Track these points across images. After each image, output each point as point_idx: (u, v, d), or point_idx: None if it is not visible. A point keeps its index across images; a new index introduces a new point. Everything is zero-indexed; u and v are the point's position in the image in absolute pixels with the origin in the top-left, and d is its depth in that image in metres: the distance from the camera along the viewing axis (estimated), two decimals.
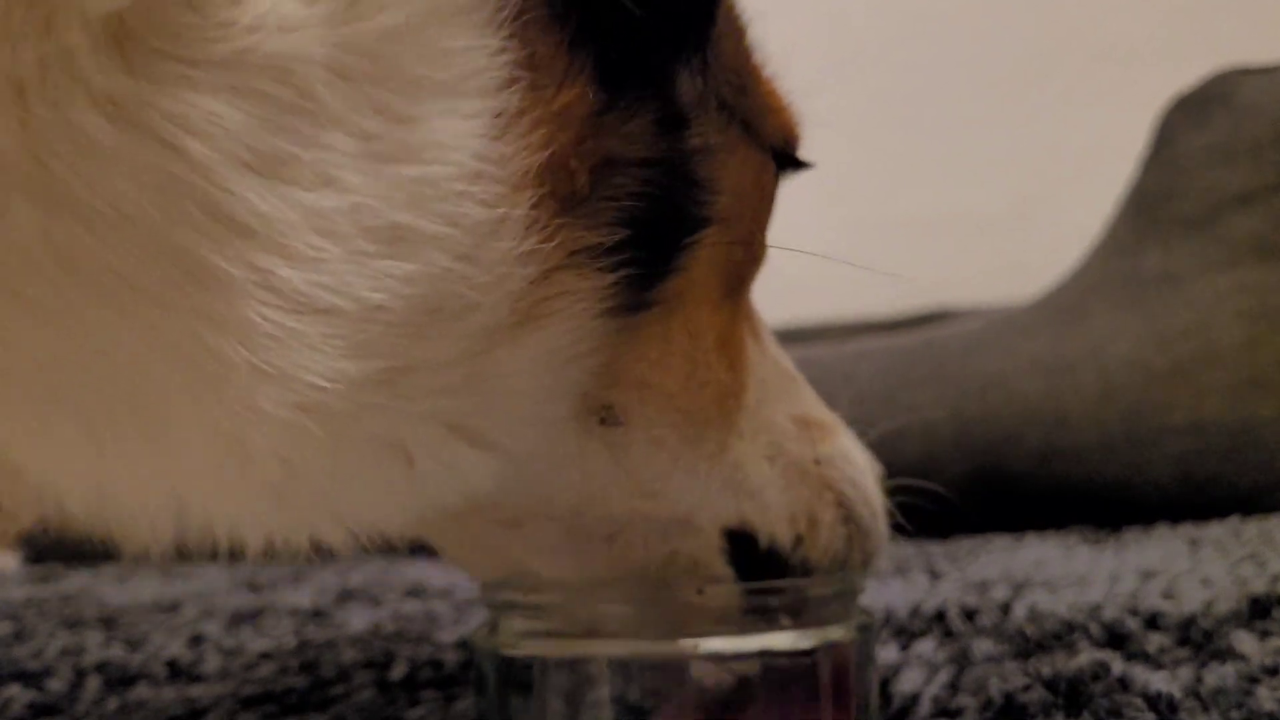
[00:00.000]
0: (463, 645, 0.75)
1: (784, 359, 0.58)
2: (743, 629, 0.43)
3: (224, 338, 0.32)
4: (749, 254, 0.52)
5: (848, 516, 0.53)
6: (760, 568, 0.49)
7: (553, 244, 0.37)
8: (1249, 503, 1.07)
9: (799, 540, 0.50)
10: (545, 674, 0.43)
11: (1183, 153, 1.16)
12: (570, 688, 0.43)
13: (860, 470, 0.55)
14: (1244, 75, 1.17)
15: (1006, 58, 2.10)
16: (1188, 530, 1.02)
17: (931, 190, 2.12)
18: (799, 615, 0.45)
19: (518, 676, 0.44)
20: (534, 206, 0.37)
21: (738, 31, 0.48)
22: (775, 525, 0.50)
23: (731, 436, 0.49)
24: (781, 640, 0.43)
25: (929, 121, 2.13)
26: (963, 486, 1.16)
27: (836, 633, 0.44)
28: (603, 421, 0.45)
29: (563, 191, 0.38)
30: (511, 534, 0.47)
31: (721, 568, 0.49)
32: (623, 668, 0.43)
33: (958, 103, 2.12)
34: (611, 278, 0.40)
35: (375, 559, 1.23)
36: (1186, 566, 0.83)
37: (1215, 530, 1.00)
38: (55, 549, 1.61)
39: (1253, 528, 0.99)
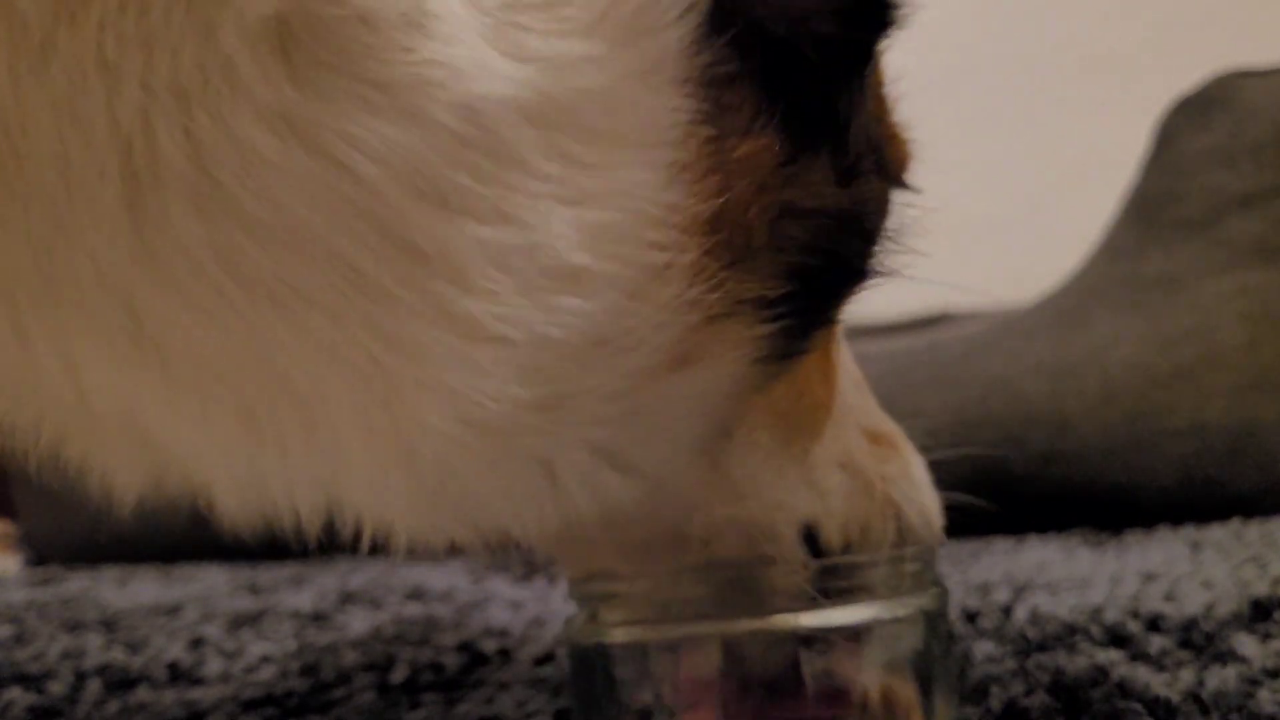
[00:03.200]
0: (464, 648, 0.76)
1: (854, 366, 0.60)
2: (833, 603, 0.44)
3: (394, 354, 0.34)
4: None
5: (901, 532, 0.53)
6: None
7: (720, 292, 0.38)
8: (1251, 505, 1.07)
9: (848, 546, 0.50)
10: (651, 658, 0.44)
11: (1184, 155, 1.16)
12: (676, 669, 0.44)
13: (921, 491, 0.57)
14: (1245, 78, 1.17)
15: (1006, 64, 2.10)
16: (1189, 532, 1.02)
17: (932, 194, 2.12)
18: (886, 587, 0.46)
19: (622, 662, 0.45)
20: (706, 254, 0.38)
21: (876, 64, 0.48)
22: (834, 528, 0.50)
23: (815, 442, 0.51)
24: (881, 610, 0.44)
25: (930, 126, 2.13)
26: (964, 489, 1.16)
27: (927, 600, 0.46)
28: (727, 434, 0.46)
29: (737, 241, 0.39)
30: (610, 535, 0.47)
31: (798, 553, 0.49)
32: (732, 646, 0.44)
33: (958, 108, 2.12)
34: (772, 328, 0.41)
35: (375, 562, 1.23)
36: (1188, 569, 0.83)
37: (1217, 532, 1.00)
38: (56, 551, 1.62)
39: (1254, 530, 0.99)
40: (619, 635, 0.45)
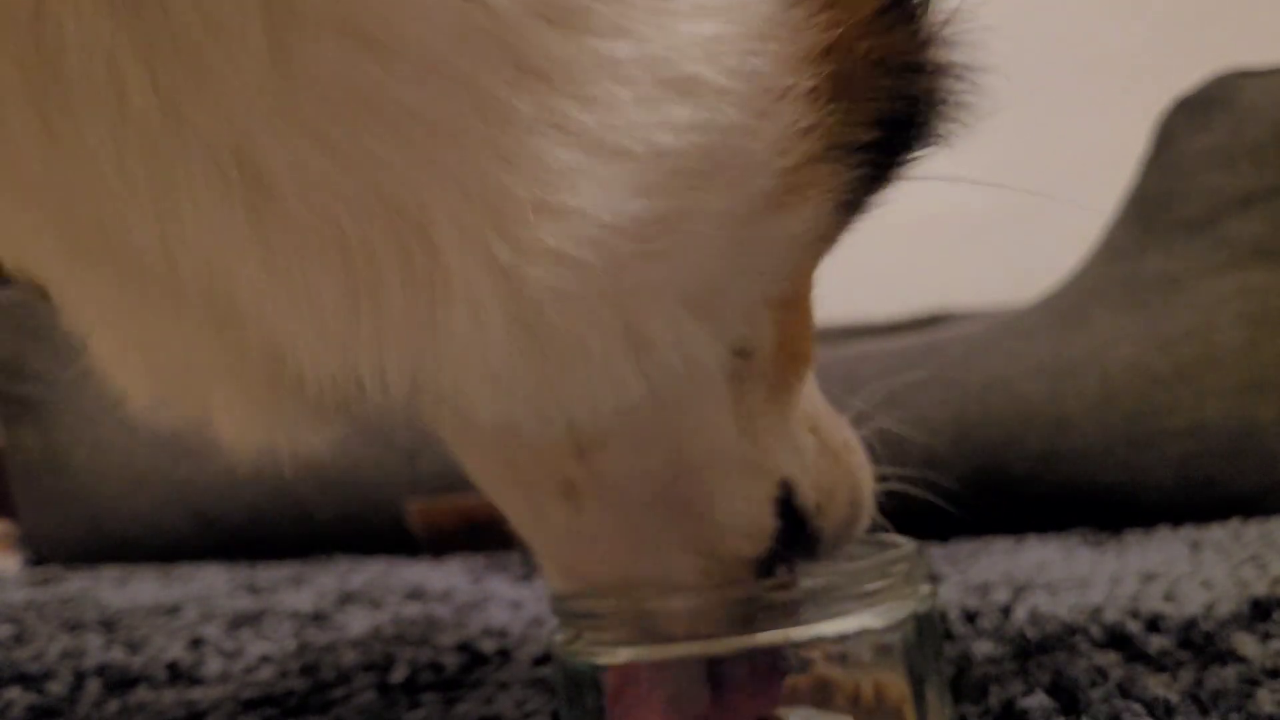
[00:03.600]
0: (463, 648, 0.76)
1: None
2: (821, 614, 0.44)
3: (514, 174, 0.34)
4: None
5: (853, 501, 0.54)
6: (790, 525, 0.50)
7: (827, 127, 0.39)
8: (1250, 505, 1.07)
9: (819, 508, 0.51)
10: (639, 678, 0.45)
11: (1183, 155, 1.16)
12: (665, 689, 0.44)
13: (864, 466, 0.57)
14: (1245, 78, 1.17)
15: (1005, 64, 2.10)
16: (1189, 532, 1.02)
17: (932, 194, 2.12)
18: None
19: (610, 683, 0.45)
20: (820, 85, 0.38)
21: None
22: (809, 489, 0.51)
23: (796, 397, 0.51)
24: (870, 618, 0.44)
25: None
26: (964, 488, 1.16)
27: (917, 602, 0.46)
28: (736, 352, 0.46)
29: (844, 75, 0.39)
30: (593, 462, 0.47)
31: (769, 519, 0.49)
32: (718, 664, 0.44)
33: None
34: (856, 174, 0.41)
35: (376, 561, 1.23)
36: (1187, 569, 0.84)
37: (1216, 532, 1.00)
38: (56, 551, 1.62)
39: (1254, 530, 0.99)
40: (605, 657, 0.45)
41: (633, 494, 0.47)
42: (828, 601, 0.44)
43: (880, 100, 0.41)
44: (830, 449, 0.54)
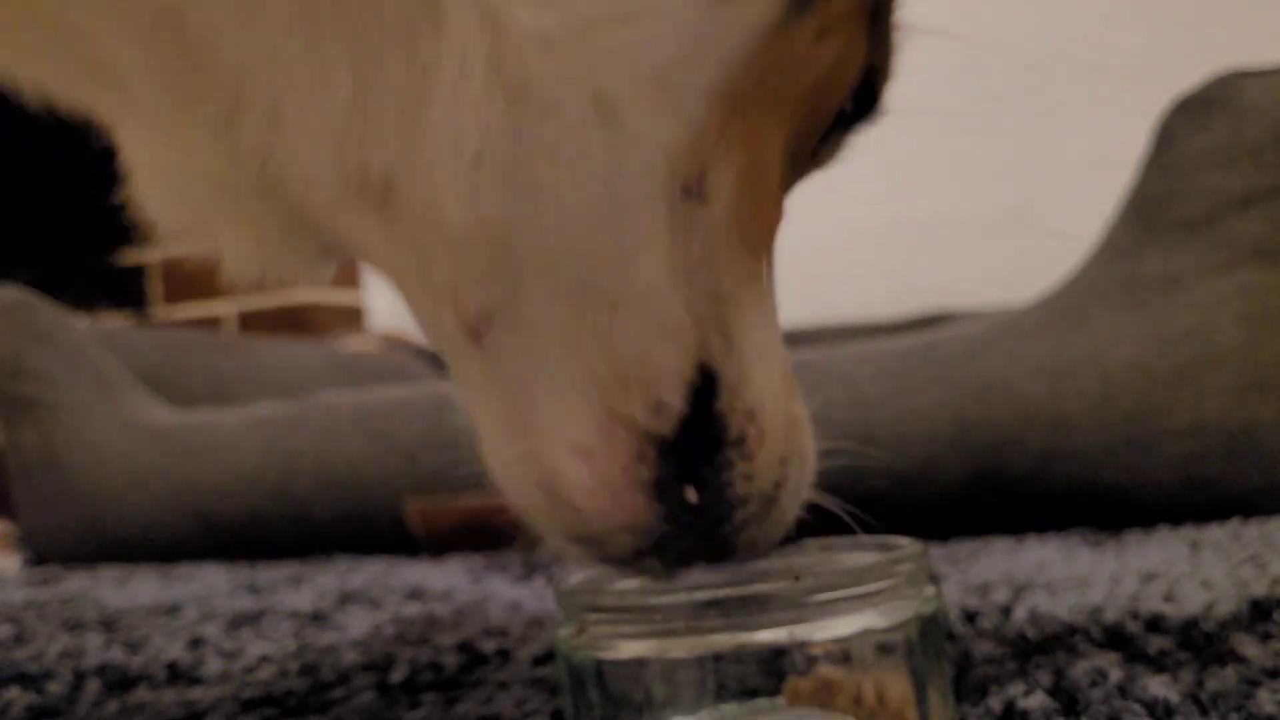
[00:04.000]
0: (463, 648, 0.76)
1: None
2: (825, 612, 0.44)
3: None
4: (826, 107, 0.50)
5: (785, 462, 0.49)
6: (696, 426, 0.46)
7: None
8: (1250, 505, 1.07)
9: (743, 438, 0.47)
10: (645, 673, 0.44)
11: (1183, 155, 1.16)
12: (670, 685, 0.44)
13: (809, 449, 0.53)
14: (1245, 78, 1.16)
15: (1005, 66, 2.10)
16: (1188, 532, 1.02)
17: (931, 195, 2.13)
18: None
19: (617, 678, 0.45)
20: None
21: None
22: (737, 399, 0.47)
23: (751, 291, 0.48)
24: (874, 618, 0.44)
25: (929, 128, 2.13)
26: (963, 488, 1.16)
27: (921, 603, 0.46)
28: (688, 192, 0.43)
29: None
30: (521, 289, 0.44)
31: (678, 398, 0.45)
32: (729, 661, 0.43)
33: (957, 110, 2.12)
34: None
35: (375, 561, 1.24)
36: (1187, 569, 0.84)
37: (1216, 533, 1.00)
38: (55, 551, 1.62)
39: (1254, 530, 0.99)
40: (609, 651, 0.45)
41: (542, 325, 0.44)
42: (831, 601, 0.44)
43: None
44: (781, 407, 0.49)
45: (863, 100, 0.50)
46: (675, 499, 0.46)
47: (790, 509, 0.51)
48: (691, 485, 0.46)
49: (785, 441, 0.49)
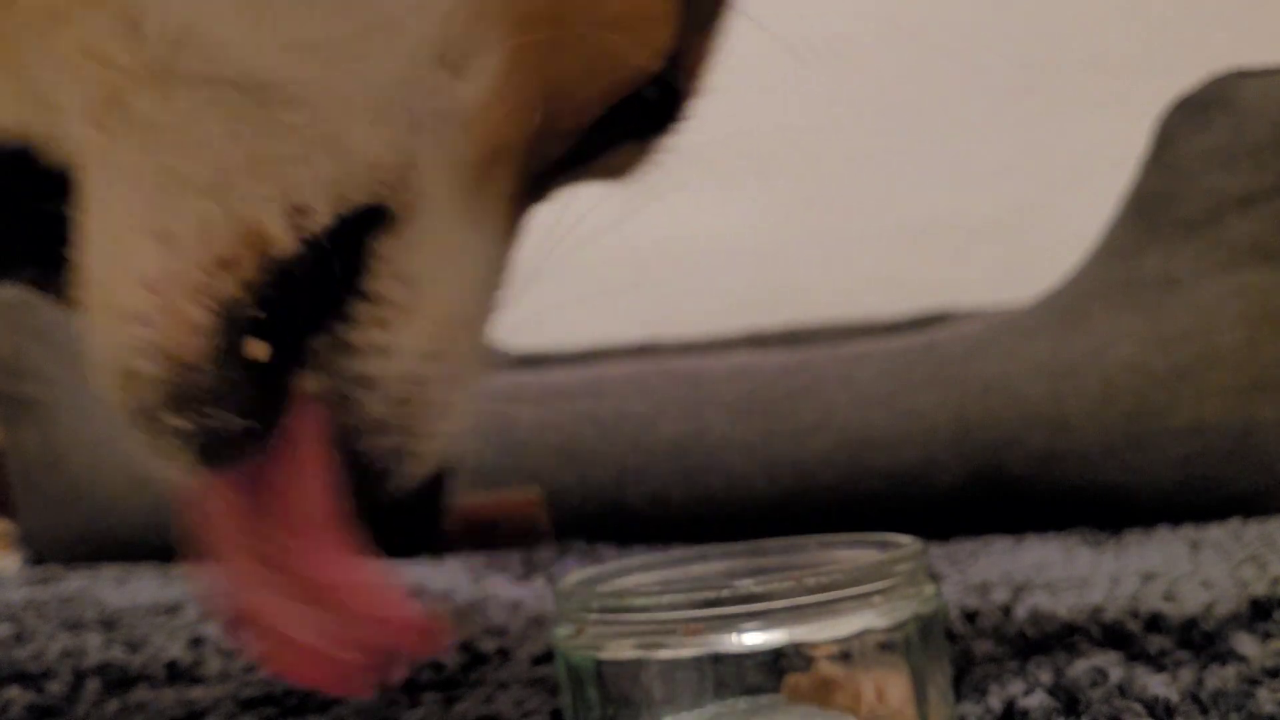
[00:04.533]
0: (463, 647, 0.76)
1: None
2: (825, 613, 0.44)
3: None
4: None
5: (428, 379, 0.44)
6: (339, 261, 0.41)
7: None
8: (1250, 505, 1.07)
9: (386, 299, 0.42)
10: (644, 673, 0.44)
11: (1183, 155, 1.17)
12: (669, 685, 0.44)
13: (456, 407, 0.47)
14: (1244, 78, 1.17)
15: (1002, 67, 2.11)
16: (1188, 532, 1.02)
17: (930, 197, 2.13)
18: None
19: (615, 678, 0.45)
20: None
21: None
22: (398, 256, 0.42)
23: (468, 196, 0.44)
24: (874, 618, 0.44)
25: (927, 130, 2.14)
26: (963, 488, 1.16)
27: (920, 603, 0.46)
28: (443, 61, 0.40)
29: None
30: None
31: (323, 208, 0.39)
32: (727, 661, 0.43)
33: (954, 111, 2.13)
34: None
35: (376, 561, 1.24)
36: (1187, 568, 0.84)
37: (1216, 532, 1.00)
38: (55, 550, 1.62)
39: (1253, 530, 0.99)
40: (607, 651, 0.45)
41: (192, 115, 0.38)
42: (831, 601, 0.44)
43: None
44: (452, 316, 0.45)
45: (662, 102, 0.48)
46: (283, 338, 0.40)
47: (433, 434, 0.45)
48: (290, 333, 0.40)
49: (441, 342, 0.44)
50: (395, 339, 0.42)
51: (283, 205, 0.38)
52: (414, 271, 0.42)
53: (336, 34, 0.39)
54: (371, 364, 0.42)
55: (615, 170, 0.54)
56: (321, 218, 0.39)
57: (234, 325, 0.38)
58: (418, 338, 0.42)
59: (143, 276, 0.37)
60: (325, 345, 0.41)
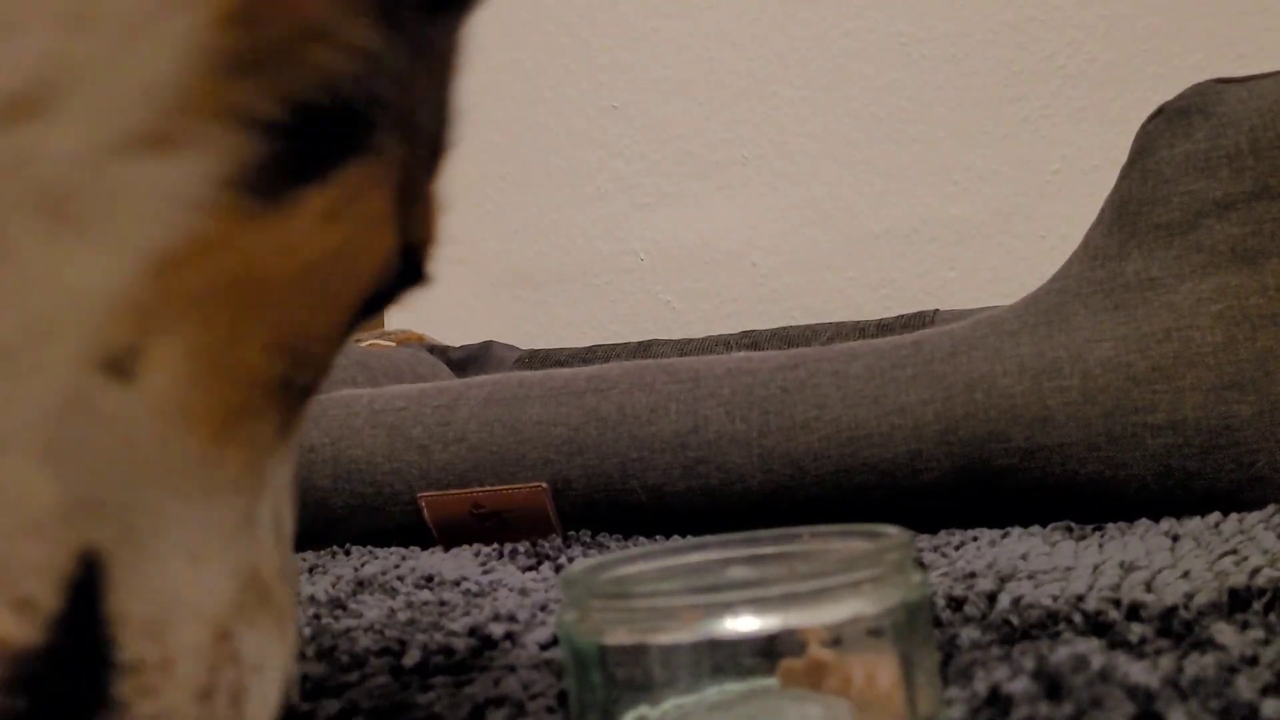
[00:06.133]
0: (473, 632, 0.77)
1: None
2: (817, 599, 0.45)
3: None
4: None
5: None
6: (81, 634, 0.35)
7: (222, 83, 0.32)
8: (1228, 499, 1.08)
9: (141, 664, 0.36)
10: (645, 657, 0.45)
11: (1163, 161, 1.16)
12: (669, 668, 0.45)
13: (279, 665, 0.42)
14: (1224, 86, 1.17)
15: (987, 77, 2.12)
16: (1168, 525, 1.03)
17: (918, 202, 2.14)
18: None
19: (618, 662, 0.46)
20: (224, 34, 0.31)
21: None
22: (134, 603, 0.36)
23: (196, 483, 0.37)
24: (865, 605, 0.45)
25: (916, 137, 2.15)
26: (949, 482, 1.16)
27: (909, 591, 0.47)
28: (110, 366, 0.33)
29: (257, 35, 0.32)
30: None
31: (49, 592, 0.34)
32: (725, 645, 0.44)
33: (942, 119, 2.14)
34: (253, 150, 0.33)
35: (390, 551, 1.24)
36: (1167, 560, 0.84)
37: (1195, 525, 1.01)
38: None
39: (1232, 523, 0.99)
40: (612, 636, 0.46)
41: None
42: (823, 588, 0.45)
43: (297, 77, 0.33)
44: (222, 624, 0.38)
45: (404, 273, 0.42)
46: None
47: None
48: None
49: (209, 671, 0.37)
50: (164, 700, 0.36)
51: (9, 603, 0.33)
52: (160, 615, 0.36)
53: None
54: None
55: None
56: (49, 601, 0.34)
57: None
58: (186, 683, 0.37)
59: None
60: None
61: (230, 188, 0.32)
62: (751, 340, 1.87)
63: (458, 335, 2.18)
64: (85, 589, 0.34)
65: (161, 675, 0.36)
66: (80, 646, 0.34)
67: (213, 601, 0.38)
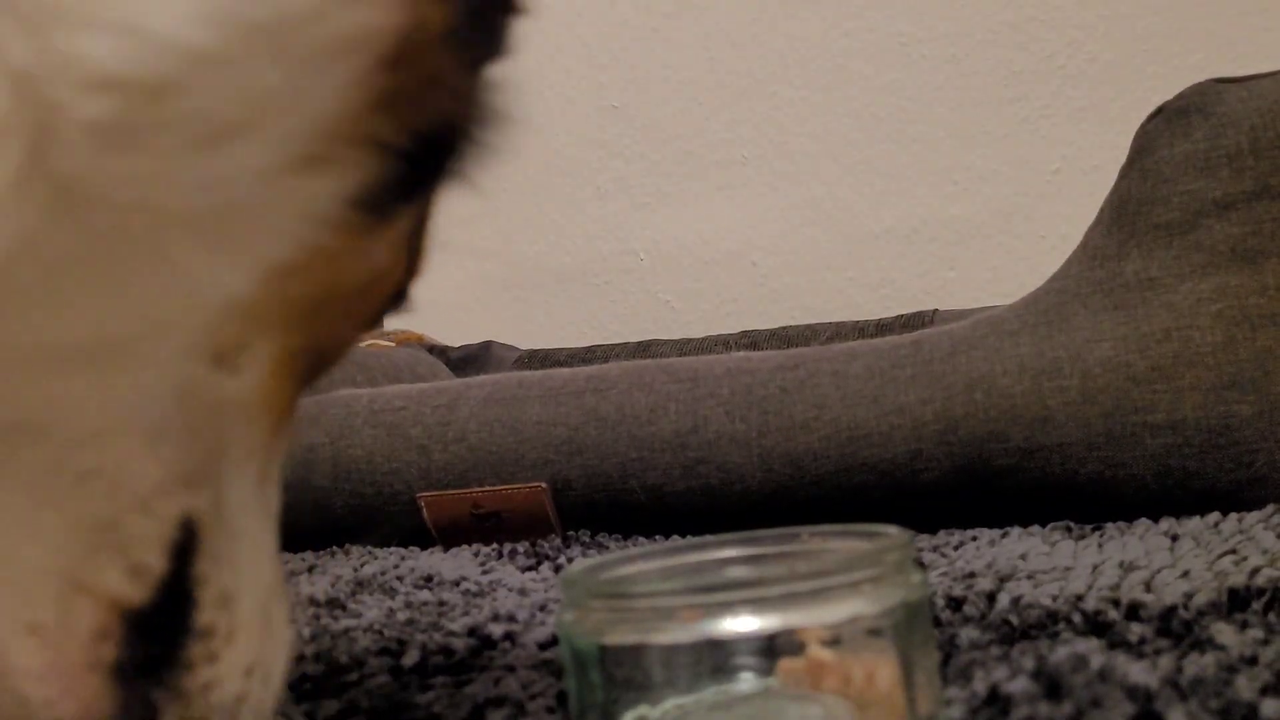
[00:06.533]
0: (472, 632, 0.77)
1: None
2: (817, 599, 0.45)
3: None
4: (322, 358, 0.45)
5: (246, 694, 0.43)
6: (174, 591, 0.41)
7: (367, 112, 0.37)
8: (1227, 499, 1.08)
9: (211, 632, 0.42)
10: (645, 657, 0.46)
11: (1163, 161, 1.17)
12: (669, 668, 0.46)
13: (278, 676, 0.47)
14: (1223, 86, 1.17)
15: (986, 77, 2.12)
16: (1168, 525, 1.03)
17: (918, 202, 2.14)
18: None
19: (618, 662, 0.46)
20: (372, 76, 0.36)
21: None
22: (215, 572, 0.42)
23: (256, 470, 0.44)
24: (865, 604, 0.45)
25: (916, 137, 2.15)
26: (949, 482, 1.16)
27: (908, 590, 0.47)
28: (218, 361, 0.39)
29: (401, 77, 0.37)
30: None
31: (157, 558, 0.40)
32: (725, 645, 0.45)
33: (942, 119, 2.14)
34: (380, 171, 0.38)
35: (389, 551, 1.24)
36: (1167, 560, 0.84)
37: (1194, 525, 1.01)
38: None
39: (1231, 523, 1.00)
40: (612, 636, 0.46)
41: (10, 484, 0.37)
42: (822, 588, 0.45)
43: (421, 114, 0.39)
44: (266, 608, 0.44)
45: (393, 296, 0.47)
46: (143, 683, 0.40)
47: (262, 710, 0.45)
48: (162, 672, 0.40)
49: (258, 648, 0.43)
50: (222, 670, 0.42)
51: (124, 568, 0.39)
52: (230, 586, 0.42)
53: (96, 347, 0.36)
54: (200, 706, 0.41)
55: None
56: (158, 564, 0.40)
57: (119, 681, 0.39)
58: (240, 657, 0.42)
59: (29, 672, 0.38)
60: (164, 698, 0.41)
61: (353, 205, 0.38)
62: (751, 340, 1.87)
63: (457, 335, 2.18)
64: (183, 551, 0.40)
65: (225, 644, 0.42)
66: (174, 604, 0.40)
67: (265, 581, 0.44)
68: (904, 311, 1.86)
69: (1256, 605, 0.69)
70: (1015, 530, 1.09)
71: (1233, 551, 0.85)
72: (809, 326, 1.85)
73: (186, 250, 0.35)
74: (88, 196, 0.33)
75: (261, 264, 0.37)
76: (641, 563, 0.55)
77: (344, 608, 0.92)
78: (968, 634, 0.69)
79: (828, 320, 1.90)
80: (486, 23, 0.41)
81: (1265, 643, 0.61)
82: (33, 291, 0.34)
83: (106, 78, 0.31)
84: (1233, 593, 0.71)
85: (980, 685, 0.57)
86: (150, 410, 0.38)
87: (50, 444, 0.37)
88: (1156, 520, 1.07)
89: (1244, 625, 0.65)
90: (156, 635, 0.40)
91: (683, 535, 1.20)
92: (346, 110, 0.35)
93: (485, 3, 0.41)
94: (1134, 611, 0.70)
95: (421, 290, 0.50)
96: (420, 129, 0.38)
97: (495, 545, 1.23)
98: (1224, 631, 0.64)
